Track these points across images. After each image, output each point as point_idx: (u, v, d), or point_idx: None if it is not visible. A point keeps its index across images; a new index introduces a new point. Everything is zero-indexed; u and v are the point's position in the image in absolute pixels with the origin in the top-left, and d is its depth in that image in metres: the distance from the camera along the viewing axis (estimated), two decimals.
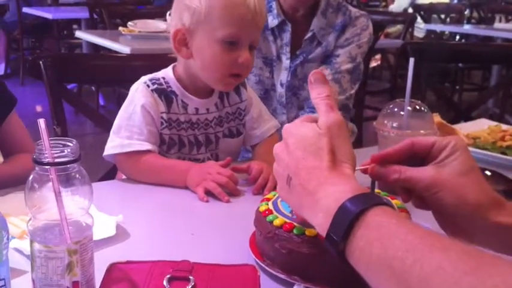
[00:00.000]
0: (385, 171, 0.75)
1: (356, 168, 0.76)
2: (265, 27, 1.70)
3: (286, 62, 1.75)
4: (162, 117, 1.26)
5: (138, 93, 1.26)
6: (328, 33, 1.76)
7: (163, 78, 1.30)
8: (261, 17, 1.25)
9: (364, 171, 0.77)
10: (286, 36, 1.73)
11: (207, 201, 1.13)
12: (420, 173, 0.73)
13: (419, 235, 0.56)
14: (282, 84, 1.77)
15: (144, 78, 1.29)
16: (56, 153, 0.66)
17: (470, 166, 0.72)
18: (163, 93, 1.27)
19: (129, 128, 1.23)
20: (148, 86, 1.27)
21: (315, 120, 0.75)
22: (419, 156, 0.75)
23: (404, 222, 0.60)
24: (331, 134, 0.71)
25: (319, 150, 0.70)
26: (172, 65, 1.34)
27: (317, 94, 0.76)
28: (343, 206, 0.63)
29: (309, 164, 0.70)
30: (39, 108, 4.93)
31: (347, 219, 0.61)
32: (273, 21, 1.72)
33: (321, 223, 0.66)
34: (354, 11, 1.81)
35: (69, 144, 0.68)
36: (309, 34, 1.73)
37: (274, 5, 1.72)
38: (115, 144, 1.23)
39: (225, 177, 1.16)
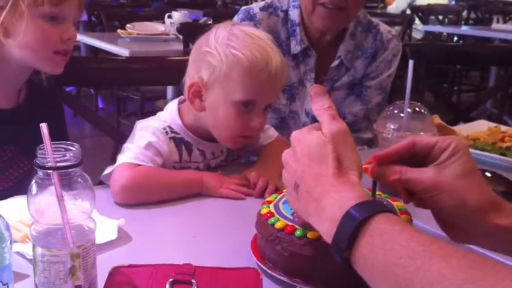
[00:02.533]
0: (385, 172, 0.75)
1: None
2: (286, 53, 1.61)
3: (310, 89, 1.64)
4: (173, 167, 1.24)
5: (156, 137, 1.19)
6: (357, 57, 1.66)
7: (171, 127, 1.23)
8: (281, 82, 1.22)
9: (364, 170, 0.76)
10: (311, 62, 1.63)
11: (244, 198, 1.16)
12: (421, 174, 0.73)
13: (422, 242, 0.57)
14: (307, 113, 1.67)
15: (157, 123, 1.23)
16: (58, 157, 0.66)
17: (470, 168, 0.73)
18: (181, 142, 1.24)
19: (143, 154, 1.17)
20: (167, 132, 1.22)
21: None
22: (420, 156, 0.75)
23: (408, 229, 0.60)
24: (335, 141, 0.72)
25: (324, 157, 0.71)
26: (176, 109, 1.26)
27: (320, 106, 0.77)
28: (347, 213, 0.63)
29: (315, 171, 0.71)
30: None
31: (351, 227, 0.62)
32: (295, 46, 1.61)
33: (326, 230, 0.67)
34: (385, 32, 1.69)
35: (71, 148, 0.68)
36: (336, 62, 1.64)
37: (298, 30, 1.61)
38: (127, 155, 1.16)
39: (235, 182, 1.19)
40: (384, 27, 1.71)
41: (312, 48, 1.62)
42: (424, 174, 0.73)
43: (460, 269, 0.51)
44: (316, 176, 0.70)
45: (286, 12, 1.63)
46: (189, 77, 1.23)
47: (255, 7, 1.62)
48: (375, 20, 1.73)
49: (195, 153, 1.26)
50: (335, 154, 0.70)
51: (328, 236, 0.66)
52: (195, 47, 1.25)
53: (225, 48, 1.16)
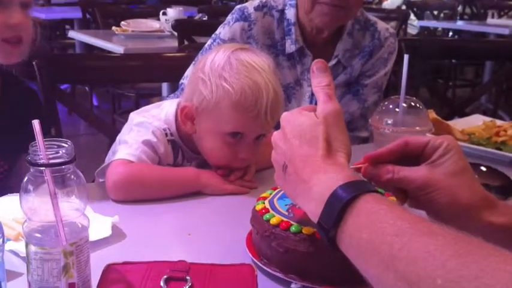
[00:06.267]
0: (378, 172, 0.76)
1: (351, 166, 0.76)
2: (281, 53, 1.60)
3: (307, 88, 1.63)
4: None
5: (155, 137, 1.18)
6: (354, 56, 1.65)
7: (169, 129, 1.22)
8: (273, 118, 1.15)
9: (357, 170, 0.77)
10: (308, 62, 1.60)
11: (249, 191, 1.17)
12: (413, 173, 0.74)
13: (408, 220, 0.57)
14: None
15: (157, 123, 1.21)
16: (51, 154, 0.66)
17: (462, 166, 0.73)
18: (178, 147, 1.23)
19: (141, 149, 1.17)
20: (166, 134, 1.21)
21: (314, 110, 0.76)
22: (412, 156, 0.76)
23: (394, 208, 0.61)
24: (327, 123, 0.72)
25: (315, 138, 0.71)
26: (173, 114, 1.23)
27: (317, 83, 0.78)
28: (334, 193, 0.64)
29: (304, 152, 0.71)
30: None
31: (338, 206, 0.62)
32: (290, 46, 1.59)
33: (313, 210, 0.67)
34: (383, 31, 1.67)
35: (64, 145, 0.67)
36: (334, 61, 1.62)
37: (293, 29, 1.58)
38: (123, 151, 1.15)
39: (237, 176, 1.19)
40: (381, 26, 1.69)
41: (307, 48, 1.61)
42: (416, 173, 0.73)
43: (446, 246, 0.52)
44: (305, 157, 0.71)
45: (281, 11, 1.61)
46: (185, 97, 1.21)
47: (250, 6, 1.60)
48: (373, 17, 1.71)
49: (190, 159, 1.26)
50: (325, 136, 0.71)
51: (314, 216, 0.66)
52: (197, 64, 1.21)
53: (217, 78, 1.13)
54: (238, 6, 1.62)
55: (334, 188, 0.64)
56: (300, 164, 0.71)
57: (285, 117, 0.77)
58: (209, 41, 1.61)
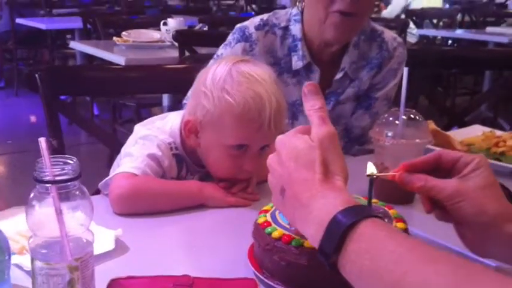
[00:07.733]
0: (411, 178, 0.79)
1: (384, 174, 0.83)
2: (285, 70, 1.58)
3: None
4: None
5: (160, 151, 1.19)
6: (361, 68, 1.62)
7: (174, 142, 1.23)
8: (277, 128, 1.14)
9: (392, 177, 0.81)
10: (315, 77, 1.57)
11: (252, 204, 1.17)
12: (444, 183, 0.77)
13: (408, 247, 0.58)
14: None
15: (162, 136, 1.22)
16: (57, 171, 0.67)
17: (491, 181, 0.77)
18: (183, 161, 1.24)
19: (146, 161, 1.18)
20: (171, 148, 1.22)
21: (309, 132, 0.76)
22: (444, 169, 0.79)
23: (395, 234, 0.62)
24: (323, 147, 0.73)
25: (311, 162, 0.72)
26: (178, 127, 1.24)
27: (310, 106, 0.78)
28: (334, 218, 0.64)
29: (302, 176, 0.71)
30: (33, 119, 4.93)
31: (338, 232, 0.63)
32: (297, 62, 1.57)
33: (313, 235, 0.68)
34: (391, 41, 1.64)
35: (70, 162, 0.68)
36: (341, 74, 1.60)
37: (300, 45, 1.56)
38: (127, 164, 1.16)
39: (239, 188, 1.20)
40: (388, 35, 1.66)
41: (314, 64, 1.58)
42: (447, 183, 0.77)
43: (446, 274, 0.53)
44: (302, 181, 0.71)
45: (285, 28, 1.59)
46: (188, 111, 1.22)
47: (251, 26, 1.57)
48: (379, 27, 1.68)
49: (193, 172, 1.26)
50: (322, 159, 0.72)
51: (315, 241, 0.67)
52: (198, 77, 1.22)
53: (219, 91, 1.13)
54: (238, 26, 1.60)
55: (334, 213, 0.64)
56: (297, 188, 0.71)
57: (280, 140, 0.77)
58: (211, 62, 1.60)
